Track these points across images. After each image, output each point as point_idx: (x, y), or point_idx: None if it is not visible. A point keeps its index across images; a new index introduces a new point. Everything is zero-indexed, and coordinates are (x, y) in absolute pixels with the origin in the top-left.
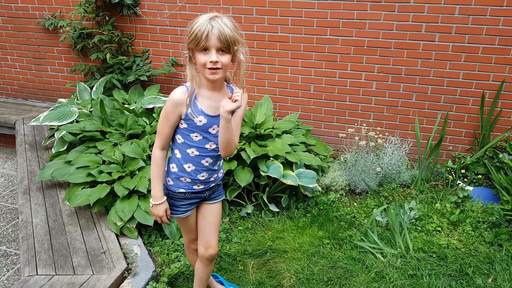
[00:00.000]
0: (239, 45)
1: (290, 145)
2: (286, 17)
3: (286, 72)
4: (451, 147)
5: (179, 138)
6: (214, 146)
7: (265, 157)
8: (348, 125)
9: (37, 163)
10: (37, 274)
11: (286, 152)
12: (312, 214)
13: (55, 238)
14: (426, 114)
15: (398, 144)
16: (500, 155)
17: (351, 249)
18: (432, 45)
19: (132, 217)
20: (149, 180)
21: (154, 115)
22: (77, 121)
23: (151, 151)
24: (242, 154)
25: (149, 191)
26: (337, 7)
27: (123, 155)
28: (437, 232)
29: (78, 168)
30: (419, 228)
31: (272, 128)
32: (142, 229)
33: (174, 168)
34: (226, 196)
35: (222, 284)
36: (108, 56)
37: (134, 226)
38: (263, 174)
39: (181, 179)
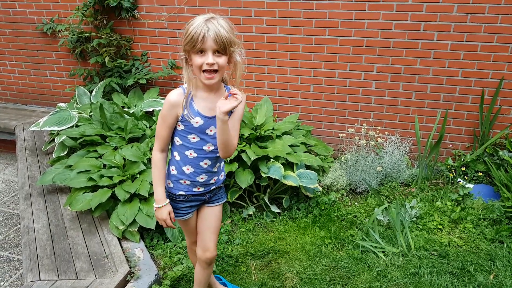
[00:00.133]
0: (235, 46)
1: (291, 146)
2: (284, 18)
3: (286, 73)
4: (451, 145)
5: (178, 140)
6: (212, 148)
7: (266, 158)
8: (348, 125)
9: (37, 169)
10: (40, 279)
11: (286, 153)
12: (314, 214)
13: (57, 243)
14: (425, 113)
15: (398, 143)
16: (500, 152)
17: (353, 248)
18: (430, 43)
19: (134, 221)
20: (150, 183)
21: (154, 118)
22: (77, 126)
23: (151, 154)
24: (243, 155)
25: (150, 194)
26: (335, 7)
27: (124, 159)
28: (438, 230)
29: (79, 172)
30: (420, 227)
31: (272, 129)
32: (144, 232)
33: (173, 170)
34: (227, 198)
35: (225, 285)
36: (107, 59)
37: (136, 229)
38: (264, 175)
39: (180, 181)
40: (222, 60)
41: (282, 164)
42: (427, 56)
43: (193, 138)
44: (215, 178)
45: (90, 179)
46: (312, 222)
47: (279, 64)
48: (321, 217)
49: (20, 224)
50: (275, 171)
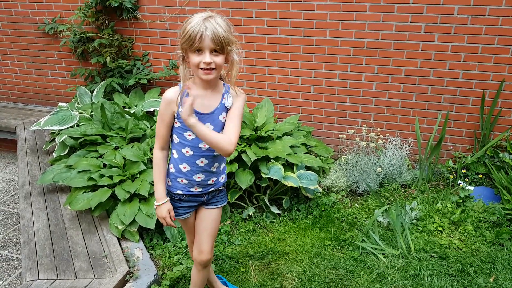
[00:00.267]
0: (232, 45)
1: (291, 146)
2: (285, 19)
3: (286, 74)
4: (451, 147)
5: (175, 138)
6: (208, 146)
7: (266, 159)
8: (348, 126)
9: (38, 168)
10: (38, 279)
11: (287, 154)
12: (314, 215)
13: (57, 243)
14: (426, 114)
15: (399, 145)
16: (501, 155)
17: (352, 250)
18: (431, 45)
19: (134, 221)
20: (150, 183)
21: (154, 118)
22: (78, 125)
23: (152, 154)
24: (243, 156)
25: (150, 194)
26: (336, 9)
27: (124, 158)
28: (438, 232)
29: (79, 172)
30: (421, 228)
31: (273, 130)
32: (143, 232)
33: (172, 168)
34: (227, 199)
35: (226, 285)
36: (108, 60)
37: (136, 229)
38: (264, 176)
39: (178, 180)
40: (220, 59)
41: (283, 165)
42: (427, 58)
43: (189, 135)
44: (213, 179)
45: (90, 178)
46: (312, 223)
47: (280, 65)
48: (321, 218)
49: (19, 223)
50: (275, 171)
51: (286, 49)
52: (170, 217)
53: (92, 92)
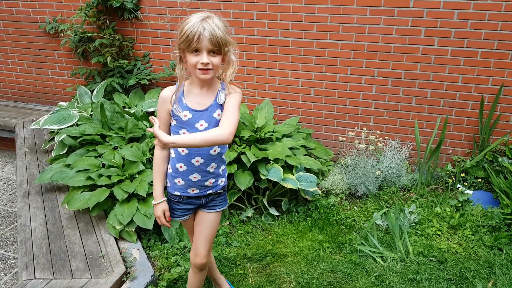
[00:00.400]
0: (230, 46)
1: (290, 148)
2: (286, 21)
3: (287, 76)
4: (450, 151)
5: None
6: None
7: (265, 160)
8: (348, 128)
9: (36, 167)
10: (35, 278)
11: (286, 156)
12: (312, 217)
13: (54, 242)
14: (425, 118)
15: (398, 148)
16: (500, 159)
17: (351, 253)
18: (431, 49)
19: (131, 221)
20: (149, 183)
21: None
22: (77, 125)
23: (151, 154)
24: (242, 157)
25: (148, 194)
26: (337, 12)
27: (123, 158)
28: (437, 236)
29: (78, 171)
30: (419, 232)
31: (273, 131)
32: (141, 232)
33: (169, 169)
34: (227, 203)
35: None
36: (109, 59)
37: (133, 230)
38: (263, 177)
39: (175, 180)
40: (217, 59)
41: (282, 166)
42: (427, 62)
43: (184, 133)
44: (211, 180)
45: (89, 178)
46: (311, 225)
47: (280, 67)
48: (320, 221)
49: (17, 222)
50: (275, 173)
51: (287, 51)
52: (165, 218)
53: (92, 91)
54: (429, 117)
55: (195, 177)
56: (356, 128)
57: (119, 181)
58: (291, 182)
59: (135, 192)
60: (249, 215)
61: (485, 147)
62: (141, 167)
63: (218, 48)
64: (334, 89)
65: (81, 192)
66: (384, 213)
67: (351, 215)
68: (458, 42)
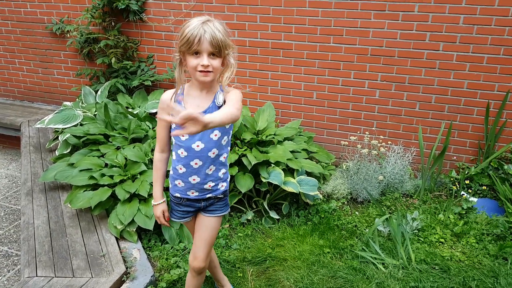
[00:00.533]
0: (230, 49)
1: (292, 151)
2: (289, 24)
3: (289, 79)
4: (455, 157)
5: (173, 139)
6: (202, 146)
7: (266, 163)
8: (350, 133)
9: (40, 165)
10: (36, 276)
11: (287, 159)
12: (313, 222)
13: (56, 240)
14: (429, 123)
15: (401, 153)
16: (505, 166)
17: (352, 259)
18: (436, 54)
19: (132, 221)
20: (151, 184)
21: (157, 119)
22: (81, 124)
23: (153, 155)
24: (243, 160)
25: (149, 195)
26: (340, 16)
27: (126, 158)
28: (440, 243)
29: (81, 170)
30: (422, 239)
31: (274, 134)
32: (142, 233)
33: (171, 170)
34: (228, 209)
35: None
36: (113, 60)
37: (134, 230)
38: (264, 180)
39: (176, 182)
40: (217, 62)
41: (283, 170)
42: (432, 67)
43: (182, 136)
44: (211, 184)
45: (91, 177)
46: (311, 230)
47: (283, 70)
48: (321, 225)
49: (20, 219)
50: (276, 176)
51: (290, 54)
52: (164, 218)
53: (96, 92)
54: (433, 123)
55: (194, 179)
56: (358, 132)
57: (121, 181)
58: (292, 185)
59: (136, 192)
60: (250, 218)
61: (490, 154)
62: (143, 167)
63: (218, 50)
64: (336, 93)
65: (84, 191)
66: (386, 219)
67: (353, 220)
68: (464, 47)
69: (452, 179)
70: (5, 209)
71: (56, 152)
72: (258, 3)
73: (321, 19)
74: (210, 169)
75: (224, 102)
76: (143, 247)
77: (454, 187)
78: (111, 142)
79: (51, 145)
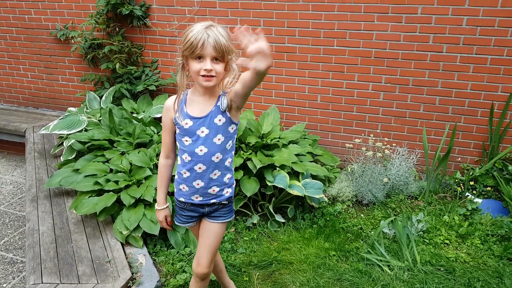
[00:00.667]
0: (232, 54)
1: (297, 155)
2: (293, 28)
3: (293, 82)
4: (459, 159)
5: (178, 144)
6: (205, 151)
7: (272, 167)
8: (355, 135)
9: (45, 171)
10: (42, 283)
11: (292, 162)
12: (319, 225)
13: (61, 246)
14: (434, 125)
15: (406, 155)
16: (510, 167)
17: (357, 261)
18: (439, 56)
19: (138, 226)
20: (156, 189)
21: (161, 124)
22: (86, 130)
23: (158, 160)
24: (248, 164)
25: (155, 200)
26: (344, 19)
27: (130, 163)
28: (445, 245)
29: (86, 176)
30: (427, 241)
31: (279, 137)
32: (147, 238)
33: (176, 175)
34: (233, 215)
35: None
36: (117, 66)
37: (140, 235)
38: (269, 184)
39: (180, 186)
40: (220, 67)
41: (288, 173)
42: (436, 68)
43: (186, 140)
44: (215, 188)
45: (96, 183)
46: (317, 233)
47: (287, 73)
48: (326, 228)
49: (25, 226)
50: (281, 180)
51: (293, 57)
52: (167, 222)
53: (101, 97)
54: (437, 124)
55: (198, 184)
56: (363, 135)
57: (126, 186)
58: (297, 189)
59: (141, 198)
60: (255, 221)
61: (495, 155)
62: (148, 172)
63: (221, 55)
64: (341, 96)
65: (89, 197)
66: (392, 221)
67: (358, 222)
68: (467, 49)
69: (456, 180)
70: (10, 215)
71: (61, 158)
72: (262, 7)
73: (324, 22)
74: (215, 174)
75: (228, 105)
76: (148, 252)
77: (459, 189)
78: (116, 147)
79: (56, 151)
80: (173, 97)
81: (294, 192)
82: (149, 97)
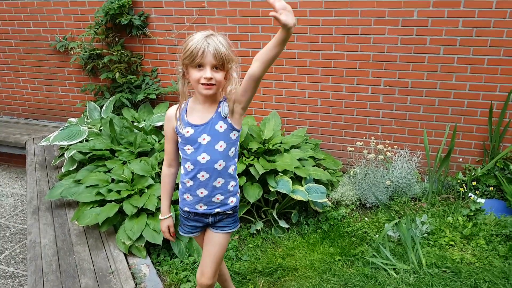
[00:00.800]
0: (232, 63)
1: (299, 159)
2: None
3: (293, 87)
4: (461, 159)
5: (181, 154)
6: (207, 158)
7: (274, 172)
8: (356, 138)
9: (46, 183)
10: None
11: (295, 167)
12: (323, 230)
13: (63, 259)
14: (434, 126)
15: (408, 157)
16: (511, 166)
17: (363, 265)
18: (437, 57)
19: (141, 236)
20: (158, 198)
21: (163, 132)
22: (87, 140)
23: (160, 168)
24: (251, 169)
25: (157, 209)
26: (341, 23)
27: (132, 173)
28: (450, 246)
29: (87, 187)
30: (432, 243)
31: (281, 143)
32: (150, 248)
33: (180, 184)
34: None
35: None
36: (117, 75)
37: (143, 245)
38: (272, 189)
39: (184, 196)
40: (220, 75)
41: (291, 178)
42: (434, 70)
43: (188, 149)
44: (219, 197)
45: (98, 193)
46: (322, 238)
47: (287, 79)
48: (331, 233)
49: (27, 238)
50: (284, 185)
51: (293, 63)
52: (170, 233)
53: (101, 107)
54: (437, 126)
55: (201, 193)
56: (364, 137)
57: (128, 196)
58: (300, 193)
59: (144, 207)
60: (259, 228)
61: (496, 154)
62: (150, 181)
63: (221, 64)
64: (341, 99)
65: (91, 207)
66: (396, 224)
67: (362, 226)
68: (464, 50)
69: (459, 181)
70: (11, 228)
71: (62, 169)
72: (260, 14)
73: (322, 28)
74: (218, 182)
75: (230, 110)
76: (152, 262)
77: (462, 189)
78: (117, 157)
79: (57, 162)
80: (175, 106)
81: (297, 197)
82: (149, 105)
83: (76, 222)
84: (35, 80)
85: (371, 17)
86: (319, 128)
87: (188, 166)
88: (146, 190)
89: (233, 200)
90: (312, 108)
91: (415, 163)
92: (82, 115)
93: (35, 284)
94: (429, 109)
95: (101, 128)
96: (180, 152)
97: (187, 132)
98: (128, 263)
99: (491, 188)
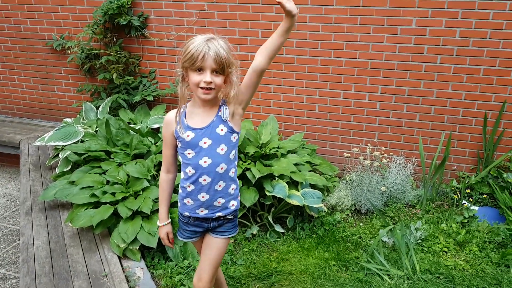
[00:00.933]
0: (233, 67)
1: (295, 164)
2: (290, 39)
3: (291, 92)
4: (455, 167)
5: (181, 159)
6: (209, 162)
7: (270, 176)
8: (353, 144)
9: (40, 184)
10: None
11: (291, 172)
12: (318, 235)
13: (56, 261)
14: (429, 134)
15: (403, 164)
16: (504, 175)
17: (357, 271)
18: (434, 66)
19: (135, 239)
20: (153, 200)
21: (159, 134)
22: (82, 141)
23: (156, 171)
24: (247, 173)
25: (152, 212)
26: (340, 30)
27: (128, 175)
28: (443, 252)
29: (82, 188)
30: (426, 249)
31: (277, 147)
32: (145, 251)
33: (180, 189)
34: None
35: None
36: (115, 76)
37: (137, 248)
38: (268, 194)
39: (185, 201)
40: (219, 79)
41: (287, 183)
42: (430, 79)
43: (189, 153)
44: (221, 200)
45: (93, 195)
46: (317, 242)
47: (285, 84)
48: (326, 238)
49: (19, 240)
50: (280, 189)
51: (291, 68)
52: (169, 240)
53: (97, 108)
54: (433, 133)
55: (203, 197)
56: (360, 144)
57: (123, 198)
58: (296, 198)
59: (139, 210)
60: (254, 232)
61: (490, 163)
62: (146, 183)
63: (222, 68)
64: (338, 105)
65: (85, 209)
66: (390, 229)
67: (357, 231)
68: (461, 60)
69: (453, 188)
70: (3, 229)
71: (57, 170)
72: (260, 18)
73: (321, 34)
74: (220, 185)
75: (231, 113)
76: (146, 265)
77: (456, 196)
78: (113, 158)
79: (51, 163)
80: (173, 111)
81: (293, 201)
82: (146, 107)
83: (70, 224)
84: (31, 79)
85: (370, 25)
86: (316, 133)
87: (189, 171)
88: (141, 193)
89: (233, 204)
90: (309, 113)
91: (410, 170)
92: (78, 115)
93: (27, 286)
94: (425, 117)
95: (97, 129)
96: (179, 157)
97: (188, 136)
98: (122, 266)
99: (485, 196)
